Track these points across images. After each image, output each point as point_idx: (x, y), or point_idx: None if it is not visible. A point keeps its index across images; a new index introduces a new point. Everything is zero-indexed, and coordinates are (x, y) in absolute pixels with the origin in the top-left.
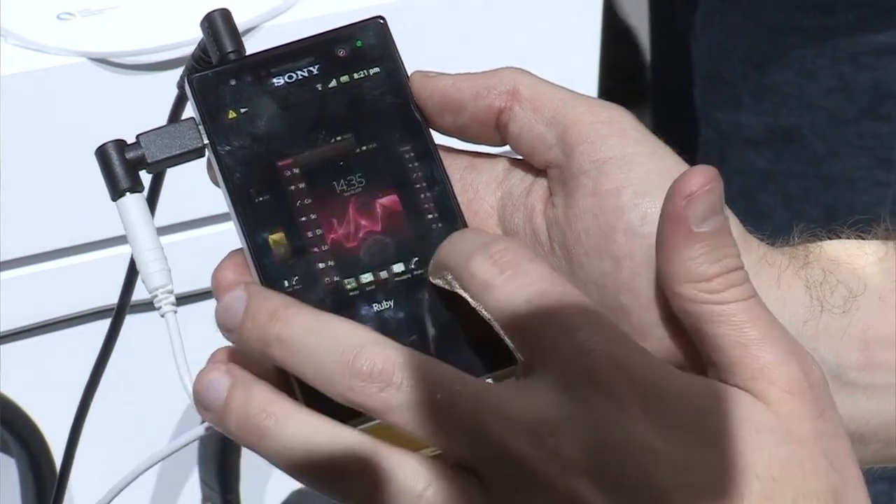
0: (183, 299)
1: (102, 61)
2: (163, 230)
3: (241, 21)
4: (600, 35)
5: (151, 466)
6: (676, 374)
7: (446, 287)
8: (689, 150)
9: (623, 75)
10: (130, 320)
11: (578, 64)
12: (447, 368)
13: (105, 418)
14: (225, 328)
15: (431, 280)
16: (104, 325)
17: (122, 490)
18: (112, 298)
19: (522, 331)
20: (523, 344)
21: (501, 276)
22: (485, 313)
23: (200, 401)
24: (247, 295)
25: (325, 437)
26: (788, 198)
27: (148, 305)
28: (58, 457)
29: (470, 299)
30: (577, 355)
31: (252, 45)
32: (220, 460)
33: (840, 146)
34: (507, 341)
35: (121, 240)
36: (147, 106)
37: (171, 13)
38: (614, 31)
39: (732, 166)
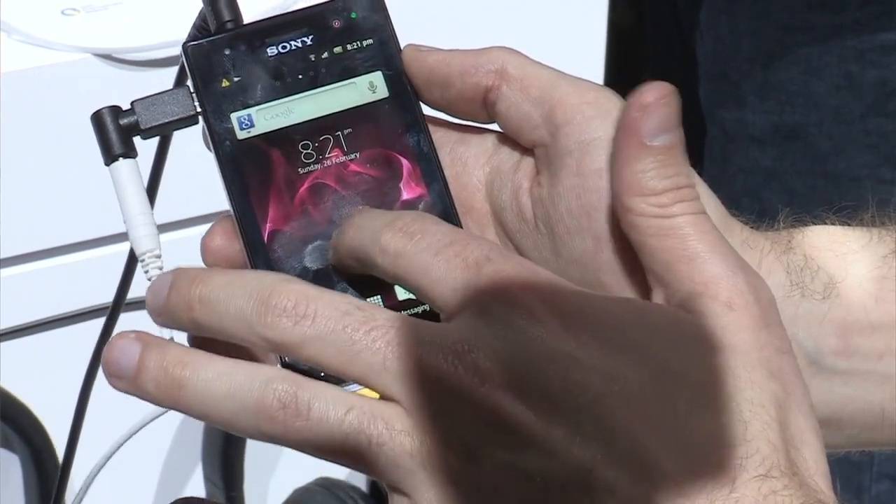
0: None
1: (106, 57)
2: (169, 226)
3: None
4: (605, 36)
5: (137, 431)
6: (598, 295)
7: (357, 270)
8: (691, 149)
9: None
10: (135, 316)
11: (582, 66)
12: (359, 301)
13: (106, 413)
14: (153, 309)
15: (335, 264)
16: None
17: (108, 460)
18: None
19: (438, 285)
20: (443, 299)
21: (411, 242)
22: (403, 286)
23: (111, 370)
24: (172, 275)
25: (244, 375)
26: (793, 196)
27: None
28: (60, 452)
29: (386, 276)
30: (492, 285)
31: (251, 17)
32: (224, 458)
33: (846, 144)
34: (429, 305)
35: (123, 237)
36: None
37: (175, 9)
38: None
39: (737, 165)
